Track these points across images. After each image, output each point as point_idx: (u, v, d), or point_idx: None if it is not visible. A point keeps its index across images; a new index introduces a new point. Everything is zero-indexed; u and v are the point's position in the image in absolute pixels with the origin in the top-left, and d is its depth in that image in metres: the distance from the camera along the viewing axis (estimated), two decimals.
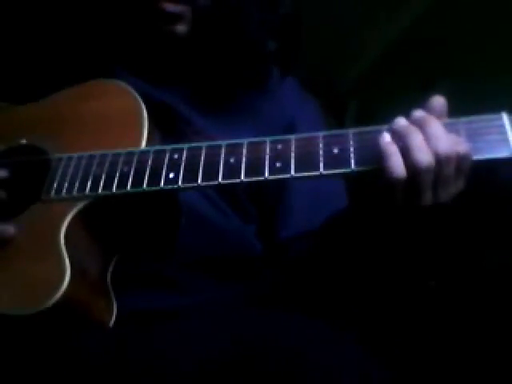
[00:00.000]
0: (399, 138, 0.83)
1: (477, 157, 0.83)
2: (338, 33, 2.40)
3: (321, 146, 0.87)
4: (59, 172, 0.96)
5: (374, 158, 0.84)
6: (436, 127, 0.83)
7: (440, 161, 0.81)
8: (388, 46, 2.54)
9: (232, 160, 0.89)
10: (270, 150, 0.89)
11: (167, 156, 0.92)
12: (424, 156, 0.81)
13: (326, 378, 0.78)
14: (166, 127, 1.03)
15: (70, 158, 0.97)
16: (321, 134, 0.89)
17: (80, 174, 0.94)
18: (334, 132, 0.89)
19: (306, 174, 0.86)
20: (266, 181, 0.88)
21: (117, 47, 1.14)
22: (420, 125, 0.83)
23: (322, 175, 0.86)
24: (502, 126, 0.83)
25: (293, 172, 0.87)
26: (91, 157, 0.95)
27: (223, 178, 0.89)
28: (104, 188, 0.92)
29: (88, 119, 1.02)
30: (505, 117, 0.83)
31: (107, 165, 0.93)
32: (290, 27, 1.19)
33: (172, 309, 1.01)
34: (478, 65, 2.28)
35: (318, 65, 2.18)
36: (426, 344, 1.75)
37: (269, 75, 1.19)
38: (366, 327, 1.56)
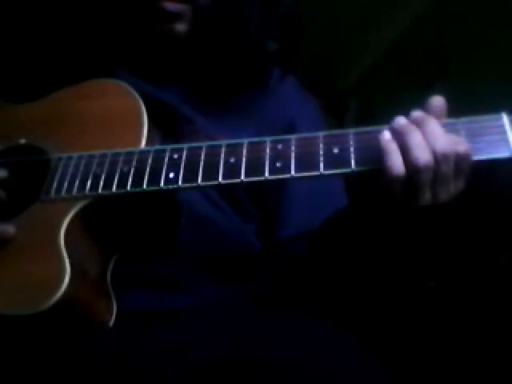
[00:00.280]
0: (398, 137, 0.84)
1: (477, 157, 0.83)
2: (338, 33, 2.40)
3: (321, 146, 0.87)
4: (59, 172, 0.95)
5: (374, 158, 0.84)
6: (434, 126, 0.83)
7: (438, 159, 0.82)
8: (388, 46, 2.54)
9: (232, 160, 0.89)
10: (270, 149, 0.89)
11: (167, 156, 0.92)
12: (423, 154, 0.81)
13: (326, 377, 0.78)
14: (166, 127, 1.03)
15: (69, 158, 0.96)
16: (321, 133, 0.89)
17: (80, 174, 0.94)
18: (334, 132, 0.89)
19: (306, 174, 0.86)
20: (266, 181, 0.88)
21: (116, 46, 1.14)
22: (419, 124, 0.84)
23: (322, 175, 0.86)
24: (502, 126, 0.83)
25: (293, 172, 0.87)
26: (91, 156, 0.95)
27: (223, 178, 0.89)
28: (104, 188, 0.92)
29: (88, 119, 1.01)
30: (505, 117, 0.84)
31: (107, 164, 0.93)
32: (291, 27, 1.19)
33: (172, 309, 1.01)
34: (477, 65, 2.28)
35: (318, 65, 2.18)
36: (426, 344, 1.75)
37: (269, 75, 1.19)
38: (366, 327, 1.56)
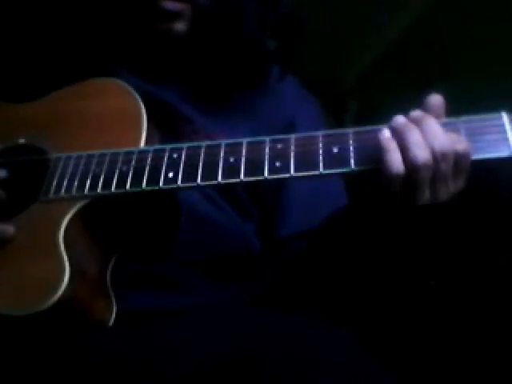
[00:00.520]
0: (398, 135, 0.84)
1: (477, 156, 0.83)
2: (338, 33, 2.40)
3: (320, 145, 0.87)
4: (58, 171, 0.95)
5: (374, 157, 0.84)
6: (433, 125, 0.83)
7: (437, 158, 0.82)
8: (388, 45, 2.54)
9: (231, 159, 0.89)
10: (270, 149, 0.89)
11: (166, 155, 0.92)
12: (422, 152, 0.81)
13: (326, 377, 0.78)
14: (166, 126, 1.03)
15: (68, 158, 0.96)
16: (320, 133, 0.88)
17: (79, 174, 0.94)
18: (333, 131, 0.89)
19: (305, 173, 0.86)
20: (266, 180, 0.88)
21: (116, 45, 1.14)
22: (417, 123, 0.84)
23: (321, 175, 0.86)
24: (502, 125, 0.83)
25: (292, 171, 0.86)
26: (90, 156, 0.95)
27: (223, 178, 0.89)
28: (103, 187, 0.92)
29: (87, 118, 1.01)
30: (505, 116, 0.83)
31: (106, 164, 0.93)
32: (290, 26, 1.19)
33: (172, 309, 1.01)
34: (477, 65, 2.28)
35: (318, 65, 2.18)
36: (425, 344, 1.74)
37: (268, 74, 1.18)
38: (366, 327, 1.56)
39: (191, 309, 1.01)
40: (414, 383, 1.51)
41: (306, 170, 0.86)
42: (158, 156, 0.92)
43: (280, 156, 0.88)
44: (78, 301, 0.88)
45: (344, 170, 0.86)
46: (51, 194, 0.94)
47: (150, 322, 0.91)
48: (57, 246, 0.88)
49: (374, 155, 0.84)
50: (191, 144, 0.93)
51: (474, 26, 2.22)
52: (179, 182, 0.90)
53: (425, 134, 0.82)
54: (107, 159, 0.94)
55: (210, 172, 0.89)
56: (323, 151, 0.86)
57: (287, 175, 0.87)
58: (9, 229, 0.92)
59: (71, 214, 0.91)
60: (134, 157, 0.93)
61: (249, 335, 0.83)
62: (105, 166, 0.93)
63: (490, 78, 2.12)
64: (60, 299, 0.84)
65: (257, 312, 0.97)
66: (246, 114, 1.16)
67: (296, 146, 0.88)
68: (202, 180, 0.89)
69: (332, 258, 1.05)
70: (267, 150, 0.89)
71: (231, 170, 0.89)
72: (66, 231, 0.89)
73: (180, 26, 1.10)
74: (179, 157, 0.91)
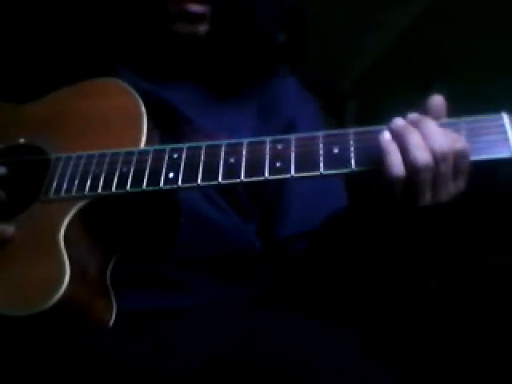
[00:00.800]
0: (397, 137, 0.84)
1: (477, 157, 0.83)
2: (339, 33, 2.40)
3: (321, 145, 0.87)
4: (58, 172, 0.95)
5: (374, 157, 0.84)
6: (431, 126, 0.83)
7: (437, 158, 0.82)
8: (388, 45, 2.54)
9: (232, 160, 0.89)
10: (270, 149, 0.89)
11: (167, 155, 0.92)
12: (422, 154, 0.81)
13: (326, 378, 0.78)
14: (166, 127, 1.03)
15: (68, 158, 0.96)
16: (321, 133, 0.88)
17: (79, 174, 0.94)
18: (334, 132, 0.89)
19: (306, 173, 0.86)
20: (266, 181, 0.88)
21: (118, 45, 1.14)
22: (416, 125, 0.84)
23: (322, 175, 0.86)
24: (503, 126, 0.83)
25: (293, 172, 0.86)
26: (90, 156, 0.95)
27: (223, 178, 0.89)
28: (103, 188, 0.92)
29: (87, 118, 1.01)
30: (505, 117, 0.83)
31: (106, 164, 0.93)
32: (296, 19, 1.20)
33: (172, 309, 1.00)
34: (477, 65, 2.28)
35: (318, 65, 2.18)
36: (426, 344, 1.74)
37: (279, 68, 1.19)
38: (366, 327, 1.56)
39: (191, 309, 1.01)
40: (414, 383, 1.51)
41: (307, 171, 0.86)
42: (158, 156, 0.92)
43: (280, 156, 0.88)
44: (78, 301, 0.87)
45: (344, 171, 0.85)
46: (51, 194, 0.94)
47: (149, 322, 0.91)
48: (57, 246, 0.88)
49: (374, 156, 0.84)
50: (191, 144, 0.93)
51: (474, 25, 2.22)
52: (179, 182, 0.90)
53: (424, 136, 0.82)
54: (107, 159, 0.94)
55: (211, 172, 0.89)
56: (324, 151, 0.86)
57: (287, 176, 0.87)
58: (9, 229, 0.92)
59: (71, 215, 0.91)
60: (135, 157, 0.93)
61: (249, 335, 0.83)
62: (105, 167, 0.93)
63: (489, 78, 2.11)
64: (60, 299, 0.84)
65: (257, 312, 0.97)
66: (246, 115, 1.16)
67: (296, 147, 0.88)
68: (202, 180, 0.89)
69: (332, 258, 1.05)
70: (267, 151, 0.89)
71: (231, 170, 0.89)
72: (66, 231, 0.89)
73: (202, 28, 1.10)
74: (179, 157, 0.91)
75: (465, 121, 0.85)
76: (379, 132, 0.85)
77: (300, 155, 0.87)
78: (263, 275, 1.13)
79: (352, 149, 0.85)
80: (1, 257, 0.91)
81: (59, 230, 0.89)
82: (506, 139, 0.82)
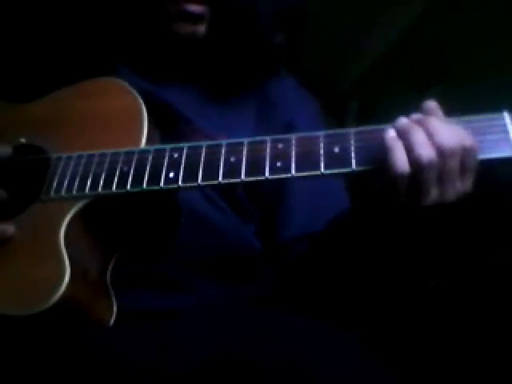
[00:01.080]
0: (402, 135, 0.83)
1: (481, 156, 0.83)
2: (338, 33, 2.40)
3: (321, 145, 0.87)
4: (58, 171, 0.95)
5: (375, 157, 0.84)
6: (437, 123, 0.83)
7: (444, 155, 0.81)
8: (388, 46, 2.54)
9: (232, 159, 0.89)
10: (271, 149, 0.89)
11: (167, 155, 0.92)
12: (426, 151, 0.81)
13: (326, 378, 0.78)
14: (166, 126, 1.03)
15: (69, 158, 0.96)
16: (321, 133, 0.88)
17: (79, 174, 0.94)
18: (334, 131, 0.88)
19: (306, 173, 0.86)
20: (267, 180, 0.87)
21: (119, 45, 1.14)
22: (421, 123, 0.84)
23: (322, 175, 0.85)
24: (504, 125, 0.82)
25: (293, 171, 0.86)
26: (91, 156, 0.95)
27: (223, 178, 0.88)
28: (104, 187, 0.92)
29: (88, 118, 1.01)
30: (507, 116, 0.83)
31: (107, 164, 0.93)
32: (294, 19, 1.19)
33: (172, 309, 1.00)
34: (477, 65, 2.29)
35: (318, 65, 2.18)
36: (426, 344, 1.74)
37: (279, 69, 1.19)
38: (367, 327, 1.56)
39: (191, 309, 1.01)
40: (414, 383, 1.51)
41: (307, 170, 0.86)
42: (158, 156, 0.92)
43: (281, 156, 0.88)
44: (78, 301, 0.87)
45: (345, 170, 0.85)
46: (52, 194, 0.94)
47: (150, 322, 0.91)
48: (57, 245, 0.88)
49: (375, 155, 0.84)
50: (192, 144, 0.93)
51: (474, 26, 2.22)
52: (180, 181, 0.89)
53: (430, 133, 0.82)
54: (108, 159, 0.94)
55: (211, 172, 0.89)
56: (324, 151, 0.86)
57: (288, 175, 0.86)
58: (9, 228, 0.92)
59: (72, 214, 0.91)
60: (135, 157, 0.93)
61: (249, 335, 0.83)
62: (105, 166, 0.93)
63: (489, 78, 2.12)
64: (60, 299, 0.84)
65: (257, 312, 0.97)
66: (245, 115, 1.16)
67: (297, 146, 0.88)
68: (202, 180, 0.89)
69: (336, 259, 1.05)
70: (268, 150, 0.88)
71: (232, 169, 0.89)
72: (66, 231, 0.89)
73: (202, 28, 1.10)
74: (180, 157, 0.91)
75: (466, 120, 0.85)
76: (380, 131, 0.85)
77: (300, 155, 0.87)
78: (263, 275, 1.13)
79: (353, 148, 0.85)
80: (1, 256, 0.91)
81: (59, 230, 0.89)
82: (508, 138, 0.81)
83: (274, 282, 1.12)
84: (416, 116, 0.86)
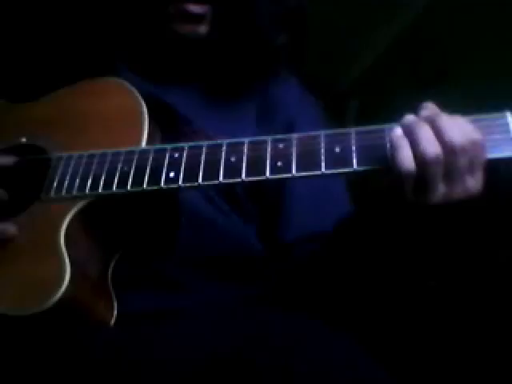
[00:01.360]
0: (408, 133, 0.83)
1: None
2: (338, 33, 2.40)
3: (322, 145, 0.87)
4: (59, 171, 0.95)
5: (376, 156, 0.84)
6: (446, 120, 0.82)
7: (455, 151, 0.80)
8: (388, 45, 2.54)
9: (233, 159, 0.89)
10: (271, 149, 0.88)
11: (168, 155, 0.92)
12: (431, 147, 0.80)
13: (326, 377, 0.78)
14: (166, 127, 1.03)
15: (69, 157, 0.96)
16: (322, 132, 0.88)
17: (80, 174, 0.94)
18: (335, 131, 0.88)
19: (307, 173, 0.86)
20: (267, 180, 0.87)
21: (119, 45, 1.14)
22: (428, 120, 0.83)
23: (323, 175, 0.85)
24: (507, 125, 0.82)
25: (294, 171, 0.86)
26: (91, 156, 0.95)
27: (224, 178, 0.88)
28: (104, 187, 0.92)
29: (88, 118, 1.01)
30: (509, 116, 0.83)
31: (107, 164, 0.93)
32: (297, 20, 1.19)
33: (172, 309, 1.00)
34: (477, 65, 2.28)
35: (318, 65, 2.18)
36: (426, 344, 1.74)
37: (280, 68, 1.19)
38: (367, 327, 1.56)
39: (191, 309, 1.01)
40: (413, 383, 1.51)
41: (308, 170, 0.86)
42: (159, 156, 0.92)
43: (281, 156, 0.87)
44: (78, 301, 0.87)
45: (346, 170, 0.85)
46: (52, 194, 0.94)
47: (150, 322, 0.91)
48: (58, 245, 0.88)
49: (376, 155, 0.84)
50: (192, 144, 0.93)
51: (474, 25, 2.22)
52: (180, 181, 0.89)
53: (438, 130, 0.81)
54: (108, 159, 0.94)
55: (212, 172, 0.89)
56: (325, 151, 0.86)
57: (289, 175, 0.86)
58: (10, 228, 0.92)
59: (72, 214, 0.91)
60: (135, 156, 0.93)
61: (249, 335, 0.83)
62: (106, 166, 0.93)
63: (490, 78, 2.11)
64: (61, 299, 0.84)
65: (257, 312, 0.97)
66: (246, 116, 1.16)
67: (298, 146, 0.88)
68: (203, 180, 0.89)
69: (339, 261, 1.04)
70: (269, 150, 0.88)
71: (232, 169, 0.88)
72: (67, 231, 0.89)
73: (203, 28, 1.10)
74: (180, 156, 0.91)
75: (468, 120, 0.84)
76: (381, 131, 0.85)
77: (301, 154, 0.87)
78: (264, 276, 1.13)
79: (354, 148, 0.85)
80: (1, 256, 0.91)
81: (60, 230, 0.89)
82: (510, 139, 0.81)
83: (275, 282, 1.12)
84: (424, 112, 0.85)
